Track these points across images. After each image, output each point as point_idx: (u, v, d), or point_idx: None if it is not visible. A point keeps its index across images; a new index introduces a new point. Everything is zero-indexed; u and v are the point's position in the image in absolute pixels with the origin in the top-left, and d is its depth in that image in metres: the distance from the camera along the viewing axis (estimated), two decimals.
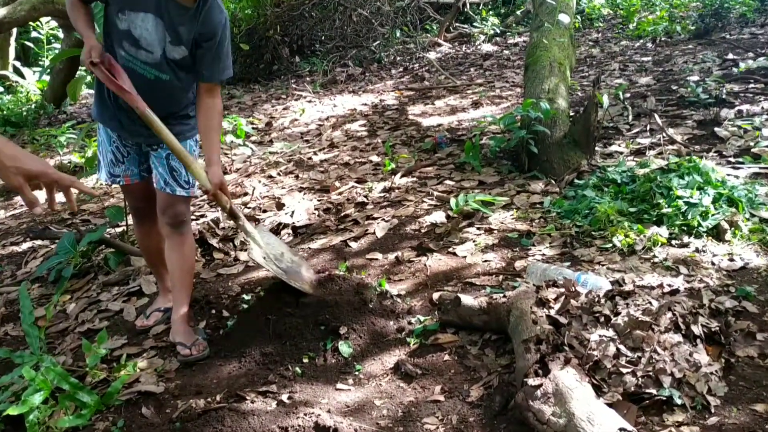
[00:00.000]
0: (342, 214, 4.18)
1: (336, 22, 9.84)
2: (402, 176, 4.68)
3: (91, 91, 10.96)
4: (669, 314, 2.32)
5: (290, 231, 4.03)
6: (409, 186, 4.49)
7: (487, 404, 2.31)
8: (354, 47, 9.86)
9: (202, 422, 2.29)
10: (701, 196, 3.34)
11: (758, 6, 8.61)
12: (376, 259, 3.53)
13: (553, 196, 3.99)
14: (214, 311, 3.17)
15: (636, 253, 3.15)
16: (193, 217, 4.50)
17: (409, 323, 2.88)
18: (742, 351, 2.36)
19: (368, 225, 3.96)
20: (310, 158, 5.49)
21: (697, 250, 3.09)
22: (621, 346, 2.25)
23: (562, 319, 2.40)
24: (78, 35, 2.78)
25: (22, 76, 10.13)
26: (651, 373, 2.17)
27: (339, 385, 2.54)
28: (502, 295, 2.71)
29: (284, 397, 2.44)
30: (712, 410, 2.10)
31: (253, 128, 6.52)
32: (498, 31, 10.49)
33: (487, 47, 9.88)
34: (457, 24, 11.01)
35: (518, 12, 11.11)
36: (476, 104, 6.61)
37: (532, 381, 2.12)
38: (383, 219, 4.00)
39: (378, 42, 9.87)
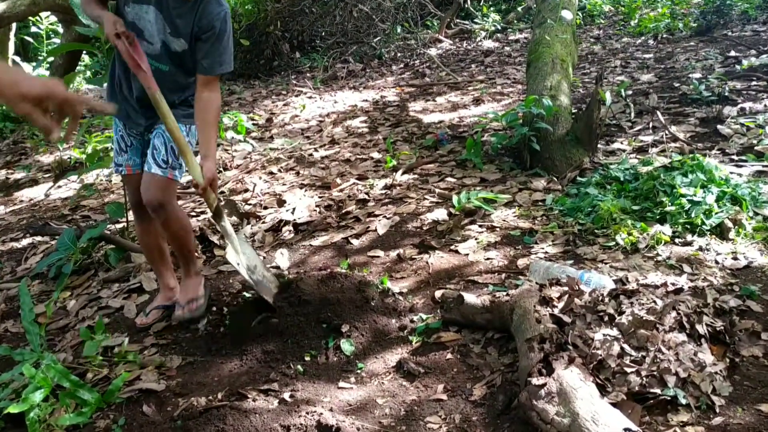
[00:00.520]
0: (343, 211, 4.16)
1: (336, 18, 9.81)
2: (403, 173, 4.67)
3: (90, 86, 10.96)
4: (673, 313, 2.31)
5: (291, 228, 4.01)
6: (411, 183, 4.48)
7: (490, 403, 2.30)
8: (354, 43, 9.84)
9: (204, 420, 2.28)
10: (705, 194, 3.33)
11: (760, 3, 8.58)
12: (378, 257, 3.51)
13: (555, 194, 3.97)
14: (215, 308, 3.15)
15: (639, 251, 3.14)
16: (193, 213, 4.48)
17: (412, 321, 2.87)
18: (746, 350, 2.35)
19: (369, 222, 3.95)
20: (310, 155, 5.47)
21: (700, 249, 3.07)
22: (625, 346, 2.23)
23: (566, 318, 2.38)
24: (88, 24, 2.82)
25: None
26: (655, 373, 2.16)
27: (341, 384, 2.52)
28: (505, 293, 2.69)
29: (286, 396, 2.43)
30: (717, 410, 2.09)
31: (253, 124, 6.50)
32: (499, 28, 10.47)
33: (488, 44, 9.85)
34: (457, 20, 10.98)
35: (519, 8, 11.08)
36: (477, 101, 6.59)
37: (535, 380, 2.10)
38: (384, 216, 3.99)
39: (379, 38, 9.85)
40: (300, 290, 2.96)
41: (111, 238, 3.83)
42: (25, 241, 4.40)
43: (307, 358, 2.68)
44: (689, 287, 2.69)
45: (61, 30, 10.17)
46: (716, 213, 3.23)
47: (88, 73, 10.15)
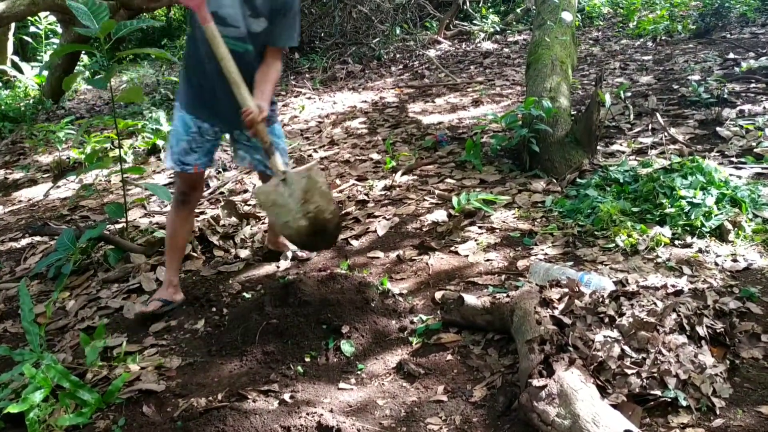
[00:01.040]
0: (343, 212, 4.16)
1: (336, 19, 9.81)
2: (403, 174, 4.67)
3: (89, 87, 10.95)
4: (674, 315, 2.31)
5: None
6: (410, 184, 4.48)
7: (490, 405, 2.30)
8: (354, 44, 9.84)
9: (204, 421, 2.28)
10: (704, 196, 3.33)
11: (759, 5, 8.60)
12: (378, 258, 3.51)
13: (554, 196, 3.97)
14: (214, 309, 3.15)
15: (639, 253, 3.14)
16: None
17: (412, 322, 2.87)
18: (746, 352, 2.35)
19: (369, 223, 3.95)
20: (310, 155, 5.47)
21: (700, 251, 3.08)
22: (626, 347, 2.24)
23: (566, 320, 2.38)
24: (87, 24, 2.90)
25: (20, 71, 10.09)
26: (656, 375, 2.16)
27: (341, 385, 2.52)
28: (505, 294, 2.70)
29: (286, 397, 2.43)
30: (717, 412, 2.09)
31: None
32: (498, 29, 10.48)
33: (487, 45, 9.86)
34: (456, 21, 10.99)
35: (518, 10, 11.09)
36: (477, 102, 6.59)
37: (536, 382, 2.10)
38: (384, 217, 3.99)
39: (378, 39, 9.85)
40: (300, 291, 2.96)
41: (110, 239, 3.83)
42: (24, 241, 4.40)
43: (308, 359, 2.68)
44: (689, 289, 2.69)
45: (59, 30, 10.17)
46: (716, 215, 3.24)
47: (87, 74, 10.13)
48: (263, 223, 4.14)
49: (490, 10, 11.18)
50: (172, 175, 5.28)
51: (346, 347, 2.71)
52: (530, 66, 5.29)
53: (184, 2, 2.66)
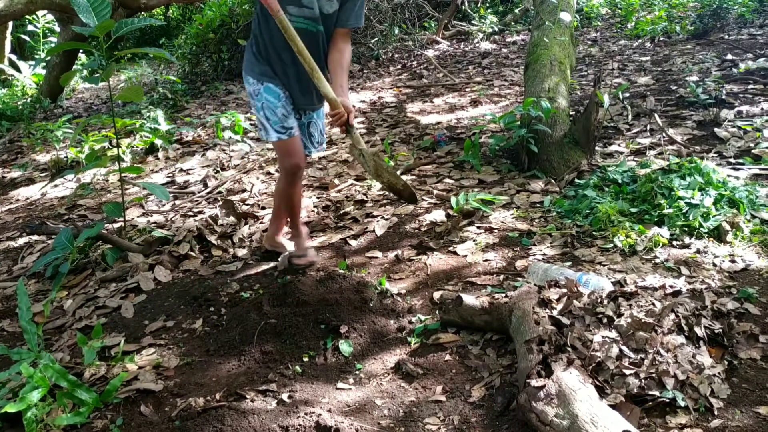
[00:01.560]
0: (341, 212, 4.16)
1: None
2: (401, 174, 4.67)
3: (87, 85, 10.94)
4: (672, 316, 2.31)
5: (289, 228, 4.00)
6: (409, 184, 4.47)
7: (488, 405, 2.30)
8: (352, 44, 9.81)
9: (202, 421, 2.28)
10: (702, 197, 3.34)
11: (757, 6, 8.61)
12: (376, 258, 3.51)
13: (553, 196, 3.98)
14: (212, 308, 3.14)
15: (637, 253, 3.15)
16: (190, 213, 4.47)
17: (410, 322, 2.87)
18: (744, 353, 2.36)
19: (368, 223, 3.95)
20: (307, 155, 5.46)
21: (698, 251, 3.08)
22: (624, 348, 2.24)
23: (565, 320, 2.38)
24: (86, 23, 2.92)
25: (18, 69, 10.08)
26: (654, 375, 2.16)
27: (339, 385, 2.52)
28: (503, 294, 2.70)
29: (284, 396, 2.43)
30: (715, 412, 2.10)
31: (251, 124, 6.49)
32: (496, 29, 10.47)
33: (486, 45, 9.86)
34: (455, 22, 10.98)
35: (516, 10, 11.09)
36: (475, 102, 6.59)
37: (534, 382, 2.10)
38: (383, 217, 3.99)
39: (376, 39, 9.85)
40: (298, 291, 2.97)
41: (108, 238, 3.82)
42: (21, 240, 4.39)
43: (306, 359, 2.68)
44: (687, 290, 2.69)
45: (57, 29, 10.15)
46: (714, 216, 3.24)
47: (85, 72, 10.12)
48: (261, 222, 4.14)
49: (489, 10, 11.18)
50: (273, 150, 5.32)
51: (345, 347, 2.71)
52: (529, 66, 5.29)
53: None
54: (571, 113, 4.88)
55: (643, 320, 2.28)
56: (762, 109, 4.93)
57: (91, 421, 2.40)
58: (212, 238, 3.87)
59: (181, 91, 8.65)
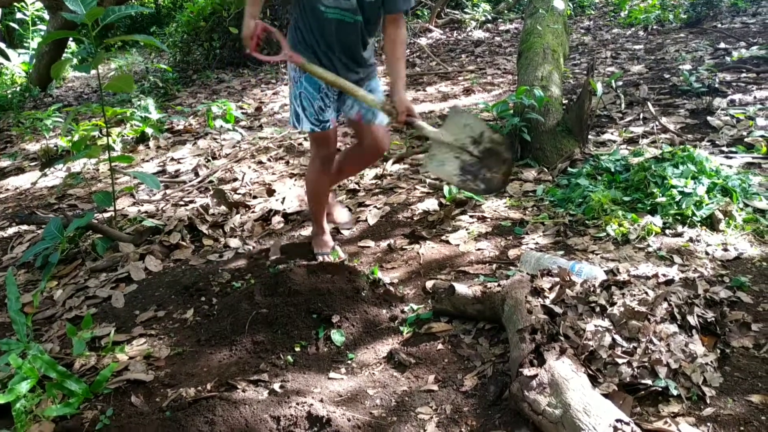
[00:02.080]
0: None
1: None
2: (394, 163, 4.65)
3: (77, 74, 10.85)
4: (665, 304, 2.31)
5: (281, 218, 3.98)
6: (401, 173, 4.46)
7: (481, 394, 2.29)
8: None
9: (193, 411, 2.26)
10: (695, 186, 3.33)
11: None
12: (369, 247, 3.50)
13: (546, 185, 3.96)
14: (203, 298, 3.12)
15: (630, 242, 3.14)
16: (181, 202, 4.45)
17: (402, 312, 2.86)
18: (737, 341, 2.35)
19: (360, 212, 3.93)
20: (300, 144, 5.44)
21: (691, 240, 3.08)
22: (617, 336, 2.23)
23: (558, 309, 2.38)
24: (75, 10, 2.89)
25: (7, 58, 9.97)
26: (647, 364, 2.16)
27: (331, 374, 2.51)
28: (496, 284, 2.68)
29: (276, 386, 2.42)
30: (708, 401, 2.09)
31: (242, 113, 6.45)
32: (489, 18, 10.44)
33: (479, 33, 9.82)
34: (448, 10, 10.94)
35: None
36: (468, 91, 6.56)
37: (527, 371, 2.10)
38: (375, 206, 3.97)
39: None
40: (290, 280, 2.95)
41: (98, 228, 3.79)
42: (11, 230, 4.35)
43: (297, 349, 2.66)
44: (680, 278, 2.69)
45: (47, 16, 10.04)
46: (707, 204, 3.23)
47: (75, 61, 10.02)
48: (253, 212, 4.12)
49: None
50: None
51: (337, 337, 2.69)
52: (522, 54, 5.26)
53: (276, 59, 2.93)
54: (564, 102, 4.86)
55: (635, 309, 2.28)
56: (755, 97, 4.93)
57: (81, 411, 2.38)
58: (203, 228, 3.85)
59: (172, 79, 8.59)
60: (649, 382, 2.12)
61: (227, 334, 2.78)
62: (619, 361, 2.17)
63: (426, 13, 10.65)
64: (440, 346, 2.59)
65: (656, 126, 4.61)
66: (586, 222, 3.39)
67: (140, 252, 3.62)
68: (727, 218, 3.16)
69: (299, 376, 2.49)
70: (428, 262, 3.26)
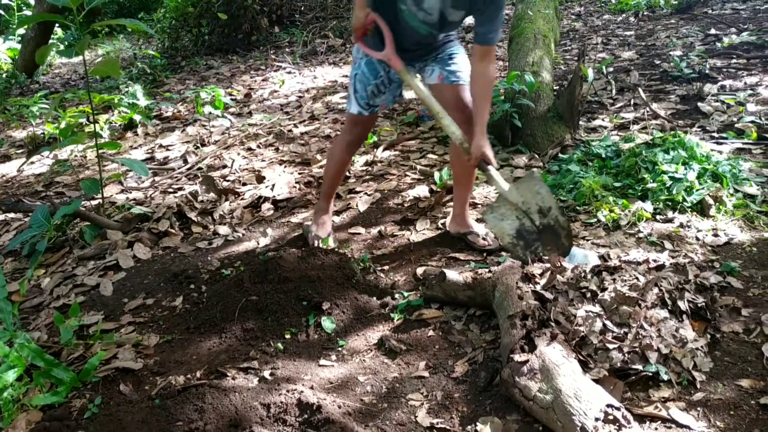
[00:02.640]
0: None
1: None
2: (384, 149, 4.62)
3: (64, 60, 10.74)
4: (655, 290, 2.31)
5: (271, 204, 3.96)
6: (392, 159, 4.44)
7: (472, 380, 2.29)
8: (334, 18, 9.70)
9: (182, 399, 2.24)
10: (686, 171, 3.33)
11: None
12: (359, 234, 3.48)
13: (537, 171, 3.95)
14: (192, 286, 3.10)
15: (621, 228, 3.14)
16: (170, 190, 4.41)
17: (393, 298, 2.85)
18: (727, 326, 2.36)
19: (350, 199, 3.91)
20: (290, 130, 5.40)
21: (681, 226, 3.08)
22: (607, 322, 2.23)
23: (548, 295, 2.37)
24: None
25: None
26: (637, 349, 2.16)
27: (322, 361, 2.50)
28: (487, 270, 2.68)
29: (266, 374, 2.40)
30: (698, 386, 2.10)
31: (231, 99, 6.39)
32: None
33: (470, 19, 9.75)
34: None
35: None
36: None
37: (518, 357, 2.09)
38: (366, 193, 3.95)
39: None
40: (280, 267, 2.93)
41: (86, 215, 3.75)
42: None
43: (288, 336, 2.65)
44: (671, 264, 2.69)
45: (32, 1, 9.91)
46: (697, 190, 3.23)
47: (62, 46, 9.91)
48: (242, 199, 4.09)
49: None
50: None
51: (327, 324, 2.68)
52: (513, 40, 5.24)
53: (376, 56, 2.84)
54: (555, 88, 4.84)
55: (626, 294, 2.27)
56: (745, 83, 4.93)
57: (69, 400, 2.36)
58: (192, 215, 3.82)
59: (161, 66, 8.50)
60: (639, 367, 2.13)
61: (217, 321, 2.76)
62: (610, 346, 2.17)
63: None
64: (431, 333, 2.58)
65: (647, 112, 4.60)
66: (577, 208, 3.39)
67: (129, 239, 3.59)
68: (717, 204, 3.16)
69: (289, 364, 2.48)
70: (419, 248, 3.24)
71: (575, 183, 3.56)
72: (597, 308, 2.28)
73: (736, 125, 4.18)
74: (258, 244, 3.48)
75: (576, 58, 4.19)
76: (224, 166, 4.72)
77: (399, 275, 3.04)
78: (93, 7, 3.42)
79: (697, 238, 2.97)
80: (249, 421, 2.11)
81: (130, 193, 4.45)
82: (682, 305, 2.30)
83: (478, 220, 3.34)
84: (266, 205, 3.95)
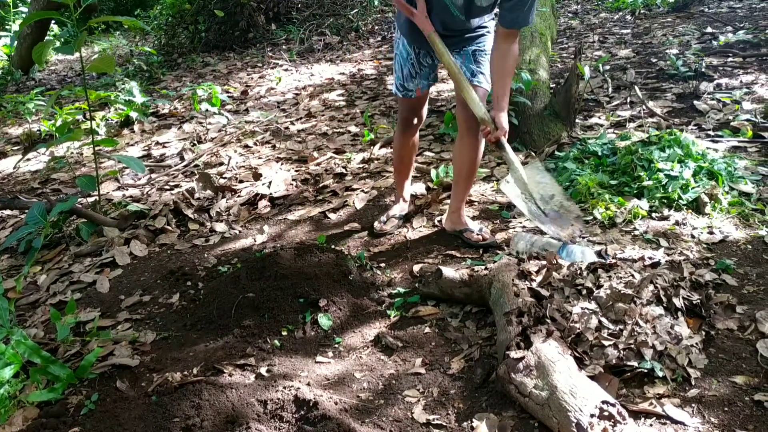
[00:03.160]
0: (320, 185, 4.12)
1: None
2: (381, 147, 4.62)
3: (61, 57, 10.71)
4: (651, 287, 2.32)
5: (267, 202, 3.96)
6: (389, 157, 4.44)
7: (468, 377, 2.29)
8: (331, 15, 9.69)
9: (179, 396, 2.24)
10: (682, 169, 3.34)
11: None
12: (356, 231, 3.48)
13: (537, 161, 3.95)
14: (189, 283, 3.10)
15: (616, 225, 3.15)
16: (166, 187, 4.41)
17: (390, 296, 2.85)
18: (721, 323, 2.37)
19: (347, 196, 3.91)
20: (287, 128, 5.40)
21: (677, 223, 3.09)
22: (603, 319, 2.24)
23: (544, 292, 2.38)
24: None
25: None
26: (633, 346, 2.17)
27: (319, 358, 2.50)
28: (483, 267, 2.68)
29: (263, 370, 2.41)
30: (693, 382, 2.11)
31: (228, 97, 6.39)
32: None
33: None
34: None
35: None
36: None
37: (514, 353, 2.10)
38: (362, 190, 3.95)
39: (356, 10, 9.71)
40: (277, 264, 2.93)
41: (82, 212, 3.75)
42: None
43: (284, 333, 2.65)
44: (666, 261, 2.70)
45: None
46: (693, 188, 3.25)
47: (58, 43, 9.87)
48: (239, 196, 4.09)
49: None
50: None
51: (324, 321, 2.68)
52: None
53: (408, 12, 2.82)
54: (551, 85, 4.85)
55: (622, 292, 2.28)
56: (741, 81, 4.94)
57: (65, 397, 2.36)
58: (189, 212, 3.82)
59: (157, 63, 8.49)
60: (634, 364, 2.14)
61: (213, 318, 2.77)
62: (606, 343, 2.18)
63: None
64: (427, 330, 2.59)
65: (643, 110, 4.62)
66: None
67: (125, 237, 3.59)
68: (712, 201, 3.17)
69: (286, 360, 2.48)
70: (415, 245, 3.25)
71: (571, 181, 3.57)
72: (593, 305, 2.29)
73: (731, 123, 4.19)
74: (255, 241, 3.48)
75: (573, 56, 4.19)
76: (221, 164, 4.72)
77: (395, 272, 3.04)
78: (89, 4, 3.41)
79: (693, 236, 2.98)
80: (246, 418, 2.11)
81: (127, 190, 4.45)
82: (677, 302, 2.31)
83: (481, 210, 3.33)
84: (263, 203, 3.95)
